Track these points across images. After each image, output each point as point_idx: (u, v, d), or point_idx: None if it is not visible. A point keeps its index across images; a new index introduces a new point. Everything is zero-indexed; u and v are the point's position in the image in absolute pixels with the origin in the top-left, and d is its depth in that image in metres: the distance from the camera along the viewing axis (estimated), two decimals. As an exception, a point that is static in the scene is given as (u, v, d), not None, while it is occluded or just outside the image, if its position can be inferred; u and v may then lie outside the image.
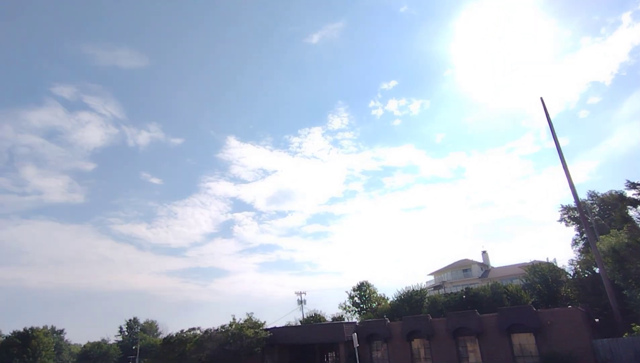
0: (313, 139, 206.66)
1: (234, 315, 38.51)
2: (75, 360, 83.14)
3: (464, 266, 68.05)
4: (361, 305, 48.25)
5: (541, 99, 32.06)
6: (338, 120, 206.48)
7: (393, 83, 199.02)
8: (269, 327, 38.76)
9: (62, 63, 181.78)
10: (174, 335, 37.72)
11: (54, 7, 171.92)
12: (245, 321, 37.73)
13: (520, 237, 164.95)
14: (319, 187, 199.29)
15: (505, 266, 66.23)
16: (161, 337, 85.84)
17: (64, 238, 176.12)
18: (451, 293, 40.54)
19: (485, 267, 68.92)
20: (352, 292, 49.61)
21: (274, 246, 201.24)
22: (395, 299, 39.95)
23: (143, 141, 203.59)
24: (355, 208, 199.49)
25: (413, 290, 38.90)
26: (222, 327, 36.93)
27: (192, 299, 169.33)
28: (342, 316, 46.97)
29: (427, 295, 40.28)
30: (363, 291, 49.09)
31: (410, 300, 37.54)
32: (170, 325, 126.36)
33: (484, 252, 71.76)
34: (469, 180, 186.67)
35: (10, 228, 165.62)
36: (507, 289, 33.41)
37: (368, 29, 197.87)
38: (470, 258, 69.31)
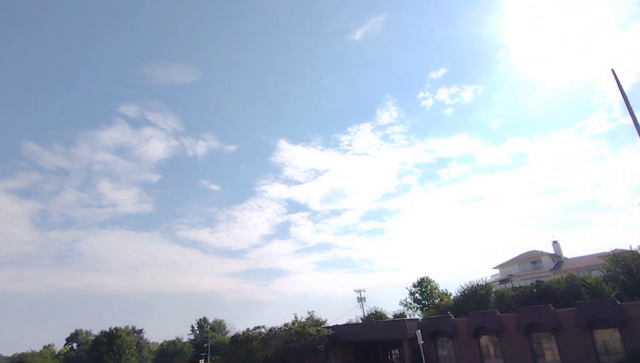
0: (362, 135, 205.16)
1: (295, 314, 39.37)
2: (153, 357, 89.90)
3: (532, 258, 63.68)
4: (423, 302, 47.05)
5: (612, 71, 29.01)
6: (387, 114, 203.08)
7: (442, 71, 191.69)
8: (330, 324, 39.12)
9: (125, 84, 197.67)
10: (241, 334, 39.41)
11: (117, 35, 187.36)
12: (307, 319, 38.39)
13: (596, 224, 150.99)
14: (372, 184, 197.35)
15: (581, 257, 60.94)
16: (229, 335, 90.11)
17: (137, 245, 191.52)
18: (520, 287, 38.12)
19: (557, 258, 63.97)
20: (413, 288, 48.53)
21: (330, 244, 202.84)
22: (459, 294, 38.42)
23: (201, 151, 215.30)
24: (410, 202, 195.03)
25: (477, 284, 37.15)
26: (285, 325, 37.90)
27: (254, 299, 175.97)
28: (403, 313, 46.11)
29: (493, 289, 38.28)
30: (424, 287, 47.84)
31: (475, 295, 35.88)
32: (237, 324, 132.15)
33: (554, 242, 66.58)
34: (532, 166, 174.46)
35: (91, 238, 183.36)
36: (584, 281, 30.69)
37: (411, 18, 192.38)
38: (539, 249, 64.72)
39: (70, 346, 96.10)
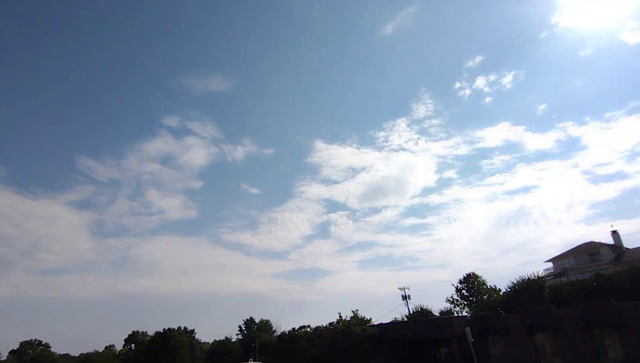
0: (399, 131, 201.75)
1: (340, 313, 39.47)
2: (205, 356, 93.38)
3: (589, 250, 59.64)
4: (470, 298, 45.58)
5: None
6: (423, 108, 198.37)
7: (479, 59, 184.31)
8: (375, 323, 38.84)
9: (167, 97, 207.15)
10: (287, 333, 40.07)
11: (157, 50, 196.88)
12: (352, 318, 38.37)
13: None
14: (411, 179, 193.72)
15: (644, 247, 56.34)
16: (276, 335, 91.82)
17: (185, 250, 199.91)
18: (576, 280, 35.90)
19: (617, 249, 59.51)
20: (459, 285, 47.16)
21: (371, 243, 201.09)
22: (509, 290, 36.81)
23: (239, 156, 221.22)
24: (452, 196, 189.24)
25: (529, 279, 35.37)
26: (331, 324, 38.11)
27: (298, 299, 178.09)
28: (450, 310, 44.90)
29: (547, 284, 36.32)
30: (470, 283, 46.33)
31: (527, 290, 34.17)
32: (283, 324, 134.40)
33: (614, 232, 61.96)
34: (584, 151, 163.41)
35: (144, 244, 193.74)
36: (650, 273, 28.38)
37: (443, 6, 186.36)
38: (596, 239, 60.52)
39: (129, 347, 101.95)
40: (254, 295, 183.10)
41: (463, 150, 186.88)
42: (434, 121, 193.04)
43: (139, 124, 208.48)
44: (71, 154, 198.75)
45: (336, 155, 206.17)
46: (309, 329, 40.13)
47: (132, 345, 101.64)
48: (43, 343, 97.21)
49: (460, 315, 39.75)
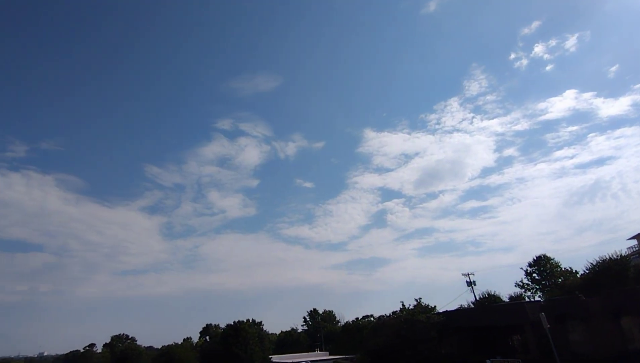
0: (451, 111, 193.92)
1: (402, 302, 39.07)
2: (273, 347, 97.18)
3: (681, 223, 53.20)
4: (542, 282, 42.80)
5: None
6: (476, 84, 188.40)
7: (535, 25, 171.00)
8: (440, 311, 37.93)
9: (219, 102, 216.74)
10: (351, 323, 40.47)
11: (206, 59, 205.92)
12: (415, 306, 37.80)
13: None
14: (468, 161, 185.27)
15: None
16: (339, 325, 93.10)
17: (247, 246, 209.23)
18: (668, 258, 32.22)
19: None
20: (529, 268, 44.45)
21: (430, 229, 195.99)
22: (587, 271, 34.00)
23: (291, 152, 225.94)
24: (514, 175, 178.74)
25: (610, 258, 32.37)
26: (394, 313, 37.90)
27: (359, 289, 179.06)
28: (521, 295, 42.51)
29: (631, 263, 33.03)
30: (542, 265, 43.46)
31: (609, 272, 31.33)
32: (346, 314, 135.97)
33: None
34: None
35: (209, 242, 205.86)
36: None
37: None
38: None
39: (204, 338, 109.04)
40: (315, 286, 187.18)
41: (523, 125, 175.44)
42: (489, 98, 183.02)
43: (195, 130, 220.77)
44: (139, 164, 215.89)
45: (387, 142, 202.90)
46: (372, 318, 40.23)
47: (207, 337, 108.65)
48: (130, 337, 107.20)
49: (532, 300, 37.51)
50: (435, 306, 38.64)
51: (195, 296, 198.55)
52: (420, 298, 39.12)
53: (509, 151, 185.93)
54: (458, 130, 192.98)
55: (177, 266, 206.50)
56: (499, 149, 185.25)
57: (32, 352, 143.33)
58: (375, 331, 37.67)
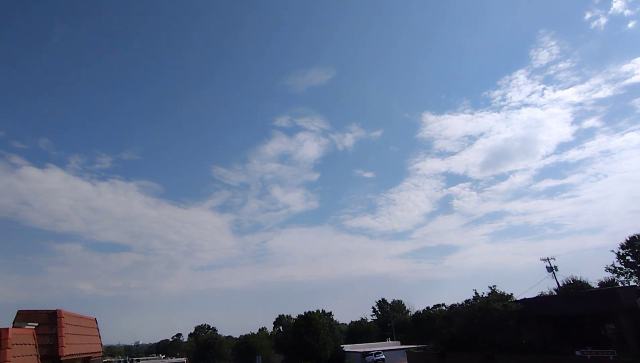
0: (518, 85, 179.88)
1: (475, 289, 37.45)
2: (345, 336, 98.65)
3: None
4: (638, 265, 38.32)
5: None
6: (545, 53, 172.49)
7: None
8: (517, 298, 35.73)
9: (276, 100, 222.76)
10: (422, 312, 39.68)
11: (268, 60, 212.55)
12: (490, 294, 36.02)
13: None
14: (540, 137, 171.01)
15: None
16: (410, 314, 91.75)
17: (312, 239, 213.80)
18: None
19: None
20: (621, 250, 40.01)
21: (501, 213, 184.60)
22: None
23: (349, 143, 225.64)
24: (597, 148, 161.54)
25: None
26: (467, 301, 36.46)
27: (427, 277, 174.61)
28: (613, 280, 38.51)
29: None
30: (637, 247, 38.87)
31: None
32: (416, 303, 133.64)
33: None
34: None
35: (276, 237, 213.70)
36: None
37: None
38: None
39: (277, 329, 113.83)
40: (382, 276, 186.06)
41: (606, 91, 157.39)
42: (562, 65, 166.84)
43: (255, 129, 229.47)
44: (207, 166, 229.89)
45: (448, 125, 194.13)
46: (443, 307, 39.04)
47: (280, 327, 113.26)
48: (211, 327, 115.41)
49: (627, 285, 33.80)
50: (511, 294, 36.48)
51: (267, 289, 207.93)
52: (494, 286, 37.20)
53: (590, 122, 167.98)
54: (527, 105, 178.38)
55: (247, 261, 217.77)
56: (577, 121, 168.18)
57: (130, 341, 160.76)
58: (448, 320, 36.52)
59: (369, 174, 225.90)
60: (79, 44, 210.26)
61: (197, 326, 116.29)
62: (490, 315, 32.41)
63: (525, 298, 35.25)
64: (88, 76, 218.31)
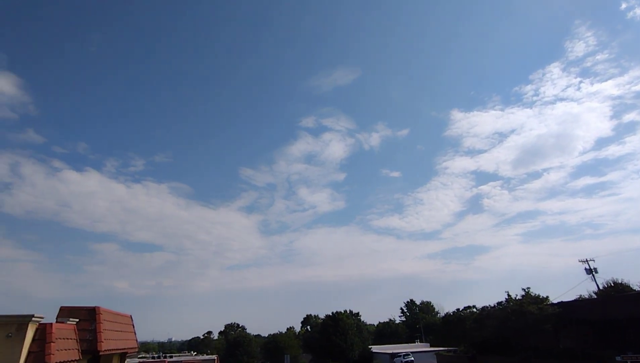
0: (552, 78, 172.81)
1: (507, 291, 36.23)
2: (372, 337, 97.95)
3: None
4: (688, 267, 35.92)
5: None
6: (581, 44, 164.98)
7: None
8: (554, 302, 34.31)
9: (301, 101, 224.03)
10: (452, 314, 38.80)
11: (286, 60, 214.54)
12: (523, 296, 34.75)
13: None
14: (577, 132, 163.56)
15: None
16: (439, 316, 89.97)
17: (339, 239, 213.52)
18: None
19: None
20: (668, 251, 37.60)
21: (535, 212, 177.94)
22: None
23: (375, 142, 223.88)
24: (639, 143, 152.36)
25: None
26: (499, 304, 35.33)
27: (457, 278, 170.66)
28: (659, 283, 36.24)
29: None
30: (686, 248, 36.43)
31: None
32: (445, 305, 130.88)
33: None
34: None
35: (302, 237, 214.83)
36: None
37: None
38: None
39: (305, 328, 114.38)
40: (410, 277, 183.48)
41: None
42: (599, 57, 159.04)
43: (281, 130, 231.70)
44: (235, 167, 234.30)
45: (478, 122, 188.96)
46: (474, 309, 37.98)
47: (308, 327, 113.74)
48: (240, 325, 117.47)
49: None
50: (547, 297, 35.05)
51: (294, 288, 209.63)
52: (528, 288, 35.81)
53: (631, 116, 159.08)
54: (562, 99, 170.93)
55: (275, 261, 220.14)
56: (616, 115, 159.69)
57: (163, 338, 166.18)
58: (480, 323, 35.53)
59: (395, 174, 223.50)
60: (112, 51, 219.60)
61: (227, 324, 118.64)
62: (524, 318, 31.27)
63: (562, 301, 33.82)
64: (121, 82, 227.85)
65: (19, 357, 10.67)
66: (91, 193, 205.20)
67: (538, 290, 35.88)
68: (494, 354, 35.41)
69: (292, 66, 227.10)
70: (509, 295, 35.73)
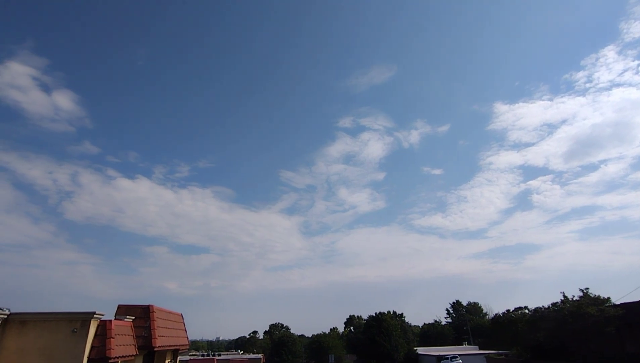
0: (606, 63, 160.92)
1: (563, 292, 34.04)
2: (417, 338, 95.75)
3: None
4: None
5: None
6: (637, 25, 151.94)
7: None
8: (616, 302, 31.79)
9: (338, 101, 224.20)
10: (502, 316, 37.13)
11: (321, 63, 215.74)
12: (581, 297, 32.51)
13: None
14: (638, 119, 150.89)
15: None
16: (488, 317, 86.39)
17: (380, 239, 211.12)
18: None
19: None
20: None
21: (592, 207, 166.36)
22: None
23: (414, 140, 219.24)
24: None
25: None
26: (554, 305, 33.29)
27: (506, 278, 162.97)
28: None
29: None
30: None
31: None
32: (494, 306, 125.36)
33: None
34: None
35: (344, 238, 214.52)
36: None
37: None
38: None
39: (348, 329, 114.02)
40: (455, 277, 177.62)
41: None
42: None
43: (319, 132, 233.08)
44: (275, 170, 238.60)
45: (524, 114, 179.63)
46: (526, 310, 36.03)
47: (351, 328, 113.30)
48: (284, 325, 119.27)
49: None
50: (608, 298, 32.55)
51: (337, 289, 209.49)
52: (587, 288, 33.42)
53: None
54: (619, 84, 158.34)
55: (317, 262, 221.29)
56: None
57: (211, 337, 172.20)
58: (533, 325, 33.64)
59: (437, 171, 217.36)
60: (156, 64, 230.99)
61: (272, 324, 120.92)
62: (583, 320, 29.23)
63: (625, 303, 31.25)
64: (165, 92, 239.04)
65: (83, 351, 11.47)
66: (142, 199, 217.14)
67: (598, 291, 33.45)
68: (549, 359, 33.42)
69: (327, 66, 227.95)
70: (564, 296, 33.58)
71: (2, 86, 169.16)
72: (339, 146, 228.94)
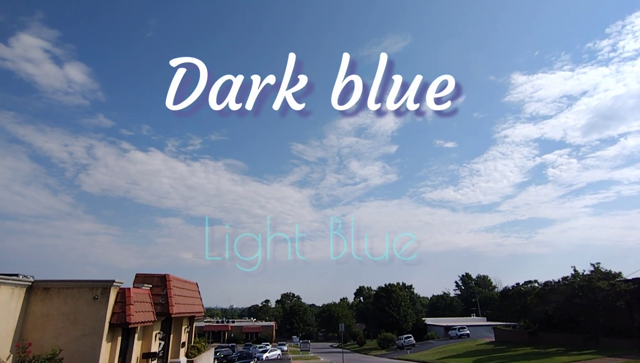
0: (632, 31, 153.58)
1: (574, 266, 33.98)
2: (426, 309, 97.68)
3: None
4: None
5: None
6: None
7: None
8: (628, 277, 31.67)
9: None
10: (511, 288, 37.40)
11: (333, 33, 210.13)
12: (593, 272, 32.44)
13: None
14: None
15: None
16: (496, 290, 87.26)
17: (391, 212, 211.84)
18: None
19: None
20: None
21: (608, 181, 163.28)
22: None
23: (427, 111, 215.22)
24: None
25: None
26: (565, 279, 33.33)
27: (517, 252, 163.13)
28: None
29: None
30: None
31: None
32: (503, 279, 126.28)
33: None
34: None
35: (355, 211, 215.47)
36: None
37: None
38: None
39: (358, 299, 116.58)
40: (466, 250, 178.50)
41: None
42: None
43: (331, 103, 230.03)
44: (286, 143, 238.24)
45: (542, 85, 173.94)
46: (536, 284, 36.18)
47: (361, 298, 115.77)
48: (296, 295, 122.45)
49: None
50: (620, 272, 32.40)
51: (347, 260, 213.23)
52: (598, 263, 33.28)
53: None
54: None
55: (328, 234, 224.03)
56: None
57: (225, 304, 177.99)
58: (542, 298, 33.87)
59: (450, 144, 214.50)
60: (168, 36, 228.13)
61: (283, 294, 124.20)
62: (593, 294, 29.30)
63: (637, 277, 31.11)
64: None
65: (105, 317, 12.01)
66: (156, 171, 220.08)
67: (610, 266, 33.44)
68: (558, 331, 33.80)
69: (340, 35, 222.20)
70: (575, 270, 33.55)
71: (15, 58, 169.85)
72: (351, 118, 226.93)
